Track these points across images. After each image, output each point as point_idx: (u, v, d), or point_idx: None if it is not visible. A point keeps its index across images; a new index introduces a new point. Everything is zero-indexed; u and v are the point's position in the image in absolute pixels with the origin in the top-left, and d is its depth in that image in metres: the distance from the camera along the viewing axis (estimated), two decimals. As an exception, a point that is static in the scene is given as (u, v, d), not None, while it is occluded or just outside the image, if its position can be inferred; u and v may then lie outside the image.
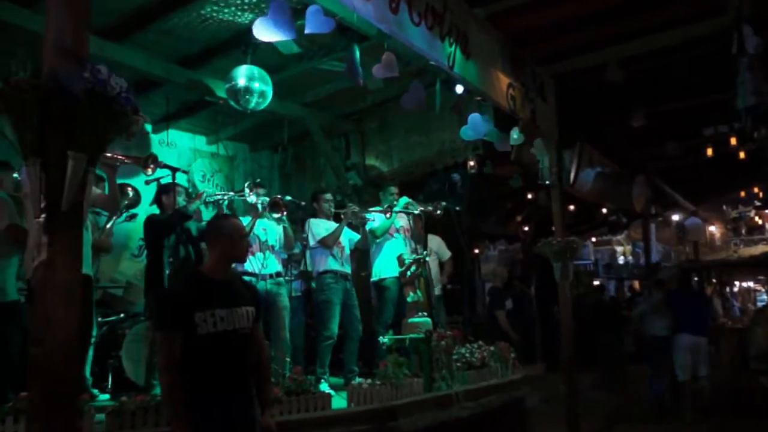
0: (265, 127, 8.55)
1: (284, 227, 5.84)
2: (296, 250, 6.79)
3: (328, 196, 6.36)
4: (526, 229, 13.07)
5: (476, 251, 12.75)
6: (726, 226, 17.09)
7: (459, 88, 6.04)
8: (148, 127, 8.22)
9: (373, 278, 6.45)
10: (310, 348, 6.37)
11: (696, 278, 15.69)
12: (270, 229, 5.85)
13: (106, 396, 5.12)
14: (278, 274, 5.77)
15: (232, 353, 2.97)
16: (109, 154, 4.09)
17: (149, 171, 4.15)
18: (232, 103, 6.14)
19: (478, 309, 11.99)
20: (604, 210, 12.70)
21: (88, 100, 2.28)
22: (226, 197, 5.62)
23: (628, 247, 20.97)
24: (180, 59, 6.49)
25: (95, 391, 5.31)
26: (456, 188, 8.25)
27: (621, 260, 20.62)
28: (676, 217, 15.81)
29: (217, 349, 2.92)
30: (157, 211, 5.54)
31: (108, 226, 6.00)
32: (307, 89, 7.55)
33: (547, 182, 7.44)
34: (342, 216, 6.08)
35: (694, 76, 7.33)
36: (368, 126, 8.75)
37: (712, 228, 17.78)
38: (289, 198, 5.80)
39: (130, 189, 6.43)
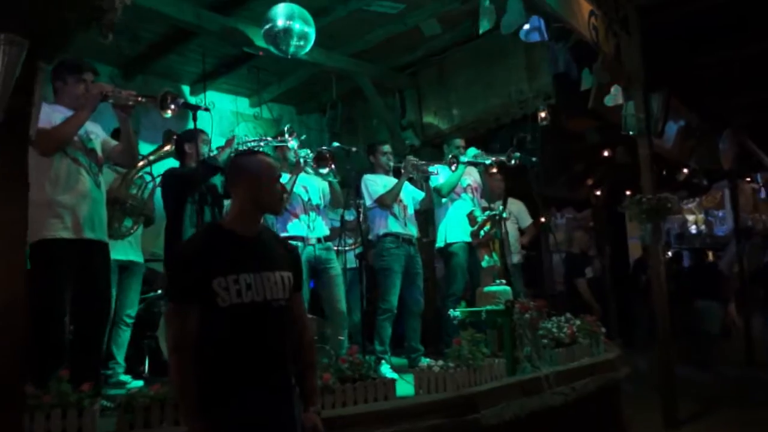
0: (312, 86, 7.91)
1: (330, 182, 5.00)
2: (350, 217, 6.06)
3: (386, 147, 5.56)
4: (598, 193, 12.04)
5: (542, 219, 11.84)
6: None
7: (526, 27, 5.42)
8: (186, 89, 7.64)
9: (438, 244, 5.61)
10: (367, 325, 5.67)
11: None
12: (312, 187, 5.02)
13: (140, 382, 4.49)
14: (327, 238, 4.96)
15: (263, 331, 2.23)
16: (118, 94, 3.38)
17: (168, 112, 3.40)
18: (271, 49, 5.46)
19: (547, 281, 11.15)
20: (685, 170, 11.53)
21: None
22: (262, 143, 4.81)
23: (701, 216, 19.73)
24: (212, 3, 5.81)
25: (127, 377, 4.77)
26: (525, 144, 7.33)
27: (693, 230, 19.41)
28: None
29: (243, 325, 2.18)
30: (177, 164, 4.80)
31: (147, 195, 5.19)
32: (356, 37, 6.78)
33: (631, 132, 6.50)
34: (402, 171, 5.28)
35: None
36: (425, 80, 7.93)
37: (789, 194, 16.49)
38: (336, 144, 5.00)
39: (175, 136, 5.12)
